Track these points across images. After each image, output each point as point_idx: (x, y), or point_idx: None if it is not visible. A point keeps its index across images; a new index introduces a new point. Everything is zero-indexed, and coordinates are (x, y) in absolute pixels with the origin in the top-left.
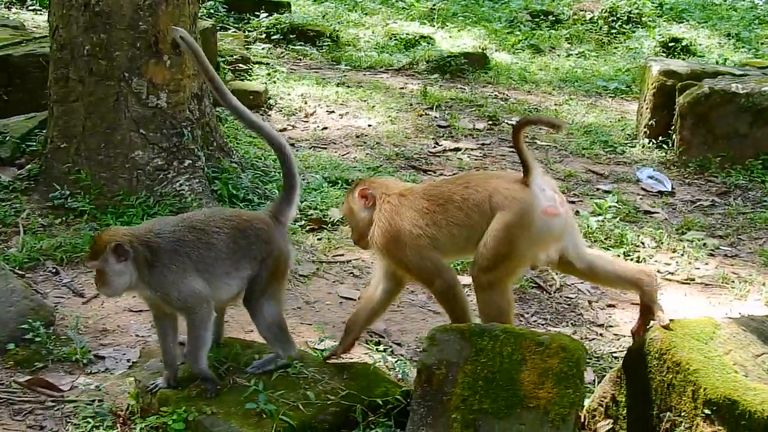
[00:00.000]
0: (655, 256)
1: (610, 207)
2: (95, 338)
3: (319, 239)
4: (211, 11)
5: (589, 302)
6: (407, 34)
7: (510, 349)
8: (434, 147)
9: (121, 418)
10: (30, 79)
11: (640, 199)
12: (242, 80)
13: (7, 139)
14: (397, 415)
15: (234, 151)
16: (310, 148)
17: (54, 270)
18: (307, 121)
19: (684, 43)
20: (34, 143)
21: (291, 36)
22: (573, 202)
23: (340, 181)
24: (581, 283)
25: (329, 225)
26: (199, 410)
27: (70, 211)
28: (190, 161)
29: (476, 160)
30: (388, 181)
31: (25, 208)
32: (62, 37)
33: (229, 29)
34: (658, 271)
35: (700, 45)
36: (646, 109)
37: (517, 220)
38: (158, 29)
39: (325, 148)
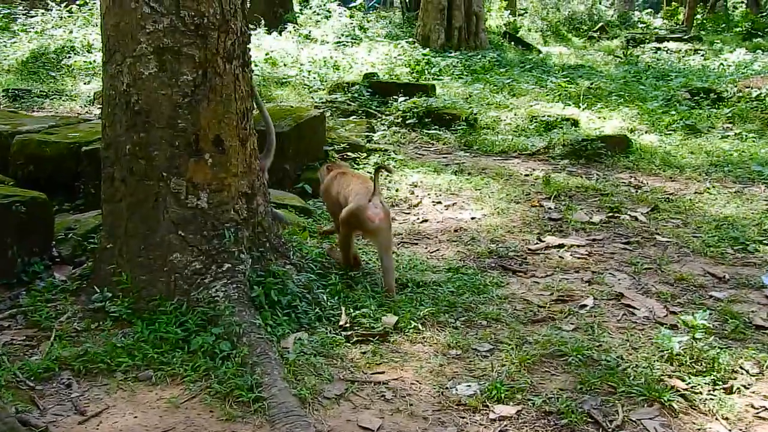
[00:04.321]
0: (754, 386)
1: (699, 324)
2: None
3: (363, 353)
4: (355, 95)
5: None
6: (549, 116)
7: None
8: (536, 243)
9: None
10: None
11: (759, 308)
12: None
13: (70, 236)
14: None
15: (293, 252)
16: (400, 244)
17: (67, 382)
18: (408, 213)
19: None
20: (96, 241)
21: (426, 120)
22: (674, 313)
23: (410, 284)
24: (649, 418)
25: (376, 337)
26: None
27: (108, 315)
28: (230, 265)
29: (579, 258)
30: None
31: (68, 311)
32: (108, 136)
33: (375, 115)
34: (752, 406)
35: None
36: None
37: (354, 209)
38: (199, 127)
39: (416, 244)
